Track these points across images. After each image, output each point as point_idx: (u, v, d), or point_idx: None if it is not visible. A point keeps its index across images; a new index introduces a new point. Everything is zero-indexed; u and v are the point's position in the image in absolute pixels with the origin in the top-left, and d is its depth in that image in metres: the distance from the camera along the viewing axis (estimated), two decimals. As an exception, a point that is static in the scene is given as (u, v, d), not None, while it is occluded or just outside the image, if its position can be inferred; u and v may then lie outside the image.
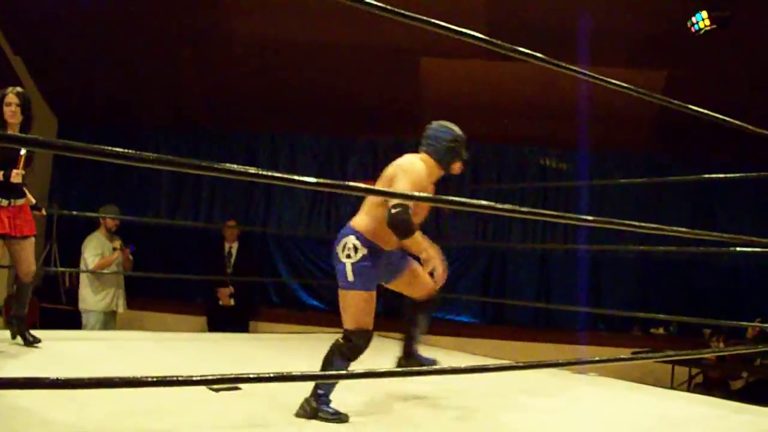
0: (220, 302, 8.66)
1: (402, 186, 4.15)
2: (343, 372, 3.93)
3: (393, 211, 4.03)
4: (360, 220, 4.29)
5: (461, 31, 2.63)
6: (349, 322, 4.14)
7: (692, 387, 7.76)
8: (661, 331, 9.16)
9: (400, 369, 4.40)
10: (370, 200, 4.32)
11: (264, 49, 8.87)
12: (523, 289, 9.41)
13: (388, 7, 2.62)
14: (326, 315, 9.28)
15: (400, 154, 10.09)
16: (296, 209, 9.86)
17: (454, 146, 4.40)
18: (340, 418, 4.01)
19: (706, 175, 7.00)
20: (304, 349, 6.77)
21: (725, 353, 7.17)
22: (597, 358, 4.91)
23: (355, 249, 4.17)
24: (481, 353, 7.04)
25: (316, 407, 4.03)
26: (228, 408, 3.98)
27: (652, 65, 8.52)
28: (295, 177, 2.50)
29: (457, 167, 4.48)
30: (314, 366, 3.99)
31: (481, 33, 8.03)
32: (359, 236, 4.21)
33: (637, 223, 3.65)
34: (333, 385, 4.09)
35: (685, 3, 7.09)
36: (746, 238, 4.60)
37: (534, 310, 9.33)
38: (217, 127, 9.93)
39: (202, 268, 8.80)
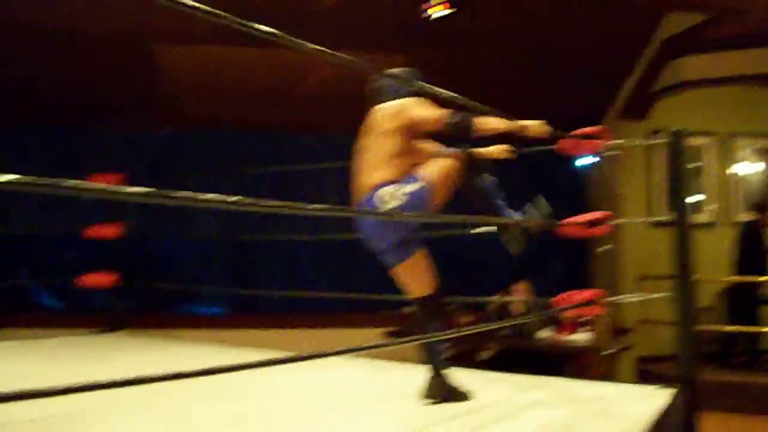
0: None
1: (423, 111, 3.89)
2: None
3: (449, 120, 3.78)
4: (385, 174, 3.87)
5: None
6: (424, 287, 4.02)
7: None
8: (411, 309, 9.52)
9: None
10: (385, 153, 3.91)
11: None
12: (273, 275, 9.45)
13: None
14: (65, 317, 8.94)
15: (140, 145, 9.75)
16: (34, 204, 9.37)
17: (420, 80, 4.01)
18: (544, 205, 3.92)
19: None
20: (39, 353, 6.50)
21: (471, 332, 7.57)
22: (361, 346, 5.03)
23: (395, 188, 3.81)
24: (235, 344, 7.04)
25: (516, 220, 3.92)
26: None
27: (390, 49, 8.79)
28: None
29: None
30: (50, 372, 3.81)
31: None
32: (387, 184, 3.84)
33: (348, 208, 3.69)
34: (500, 194, 3.96)
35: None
36: (479, 219, 4.85)
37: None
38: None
39: None
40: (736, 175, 11.13)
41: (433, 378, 4.05)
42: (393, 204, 3.79)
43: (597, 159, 10.05)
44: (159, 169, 9.40)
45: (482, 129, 3.83)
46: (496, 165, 4.12)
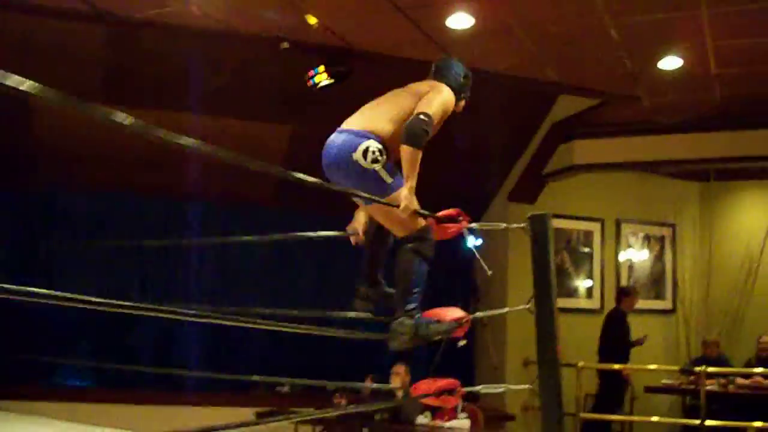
0: None
1: (434, 106, 3.95)
2: None
3: (423, 117, 3.84)
4: (381, 127, 3.96)
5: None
6: (409, 223, 3.87)
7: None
8: (286, 389, 9.35)
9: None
10: (400, 107, 4.01)
11: None
12: (146, 347, 9.14)
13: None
14: None
15: (15, 210, 9.22)
16: None
17: (466, 82, 4.28)
18: (448, 327, 3.74)
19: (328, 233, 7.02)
20: None
21: (345, 412, 7.42)
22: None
23: (381, 152, 3.87)
24: (99, 421, 6.78)
25: (415, 323, 3.71)
26: None
27: (277, 119, 8.71)
28: None
29: (461, 105, 4.32)
30: None
31: (100, 77, 7.81)
32: (380, 141, 3.91)
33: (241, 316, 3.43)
34: (420, 288, 3.82)
35: (307, 57, 7.31)
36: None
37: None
38: None
39: None
40: (627, 261, 11.31)
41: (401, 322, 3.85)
42: (363, 164, 3.84)
43: (481, 241, 10.09)
44: (29, 232, 9.04)
45: (416, 156, 3.85)
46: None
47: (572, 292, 10.80)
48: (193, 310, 2.86)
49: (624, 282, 11.09)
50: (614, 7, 6.33)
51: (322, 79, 7.21)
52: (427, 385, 3.94)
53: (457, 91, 4.23)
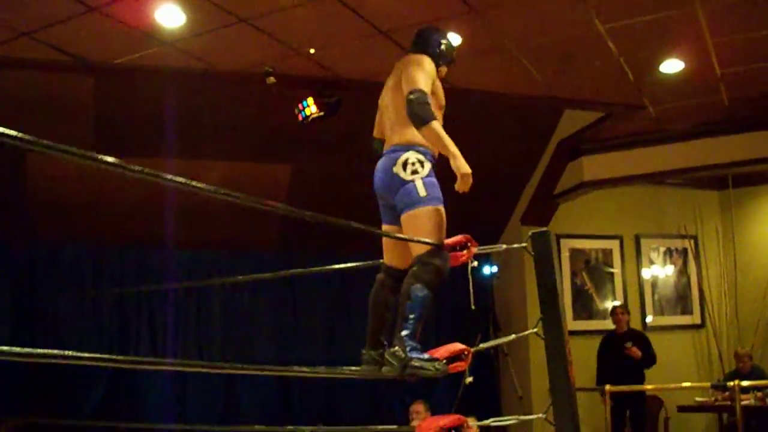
0: None
1: (418, 80, 4.10)
2: None
3: (412, 96, 4.00)
4: (412, 135, 4.14)
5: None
6: (421, 247, 3.95)
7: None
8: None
9: None
10: (401, 111, 4.16)
11: None
12: (155, 406, 9.17)
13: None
14: None
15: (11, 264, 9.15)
16: None
17: (445, 49, 4.47)
18: (436, 366, 3.75)
19: (335, 266, 6.93)
20: None
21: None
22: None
23: (421, 163, 4.09)
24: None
25: (406, 357, 3.75)
26: None
27: (277, 159, 8.87)
28: None
29: (443, 71, 4.48)
30: None
31: (90, 126, 7.93)
32: (421, 150, 4.13)
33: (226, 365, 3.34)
34: (420, 322, 3.84)
35: (295, 91, 7.45)
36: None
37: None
38: None
39: None
40: (651, 277, 11.38)
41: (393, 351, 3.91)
42: (403, 176, 4.08)
43: (496, 269, 10.25)
44: (27, 286, 9.05)
45: (433, 131, 3.99)
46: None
47: (595, 314, 10.85)
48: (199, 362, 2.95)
49: (648, 300, 11.16)
50: (605, 12, 6.42)
51: (311, 111, 7.37)
52: (428, 424, 3.98)
53: (436, 59, 4.41)
